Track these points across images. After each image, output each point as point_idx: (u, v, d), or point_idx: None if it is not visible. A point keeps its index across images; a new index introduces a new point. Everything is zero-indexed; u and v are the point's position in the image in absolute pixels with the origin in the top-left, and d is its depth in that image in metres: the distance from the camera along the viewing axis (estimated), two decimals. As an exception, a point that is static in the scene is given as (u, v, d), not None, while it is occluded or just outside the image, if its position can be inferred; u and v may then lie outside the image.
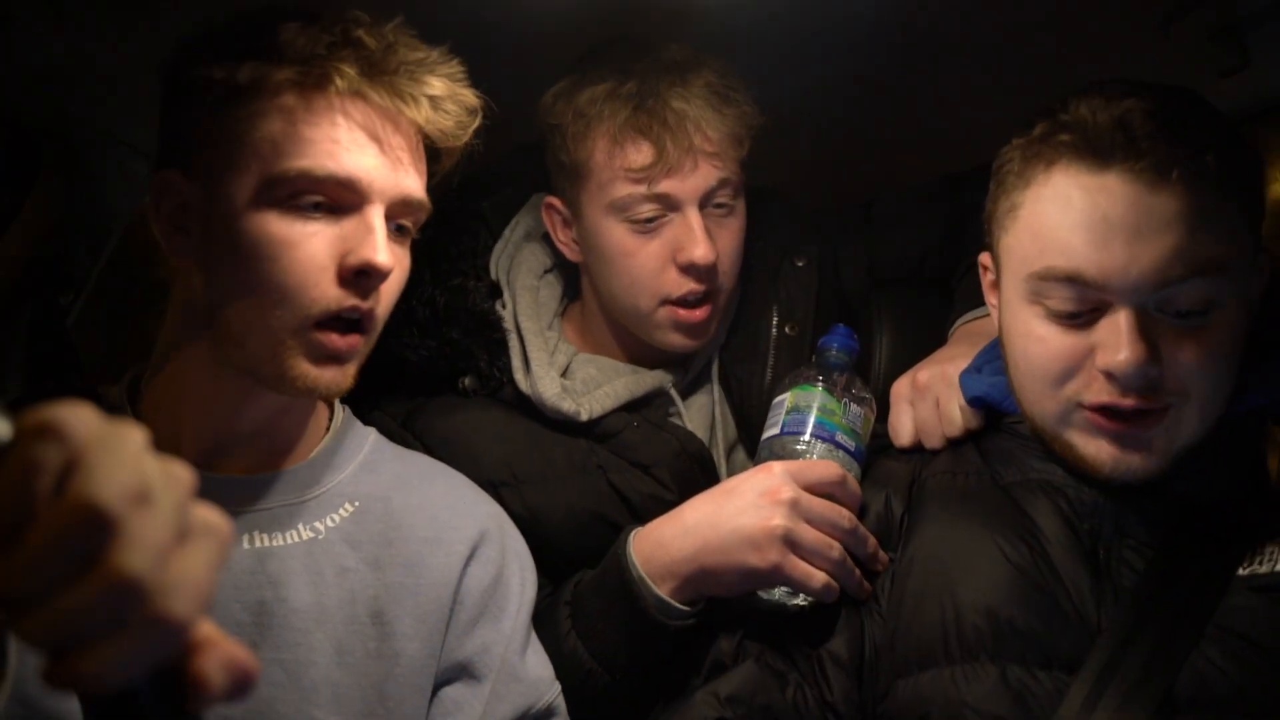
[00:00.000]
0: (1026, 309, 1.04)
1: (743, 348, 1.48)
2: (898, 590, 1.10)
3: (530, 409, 1.39)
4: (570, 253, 1.46)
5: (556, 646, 1.18)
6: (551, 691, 1.12)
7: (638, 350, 1.46)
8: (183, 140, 1.01)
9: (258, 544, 1.02)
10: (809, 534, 1.12)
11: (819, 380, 1.23)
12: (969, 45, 1.47)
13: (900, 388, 1.27)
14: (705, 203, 1.35)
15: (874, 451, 1.26)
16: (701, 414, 1.47)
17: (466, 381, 1.42)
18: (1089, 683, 0.96)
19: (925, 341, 1.40)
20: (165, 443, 1.01)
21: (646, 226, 1.35)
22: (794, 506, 1.12)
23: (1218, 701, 0.94)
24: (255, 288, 0.96)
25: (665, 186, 1.32)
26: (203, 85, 0.98)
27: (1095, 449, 1.03)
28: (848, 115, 1.69)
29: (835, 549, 1.12)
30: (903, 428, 1.25)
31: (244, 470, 1.05)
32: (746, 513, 1.13)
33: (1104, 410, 1.01)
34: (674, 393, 1.46)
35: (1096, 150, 0.98)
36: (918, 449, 1.23)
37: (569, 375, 1.41)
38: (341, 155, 0.96)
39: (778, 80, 1.46)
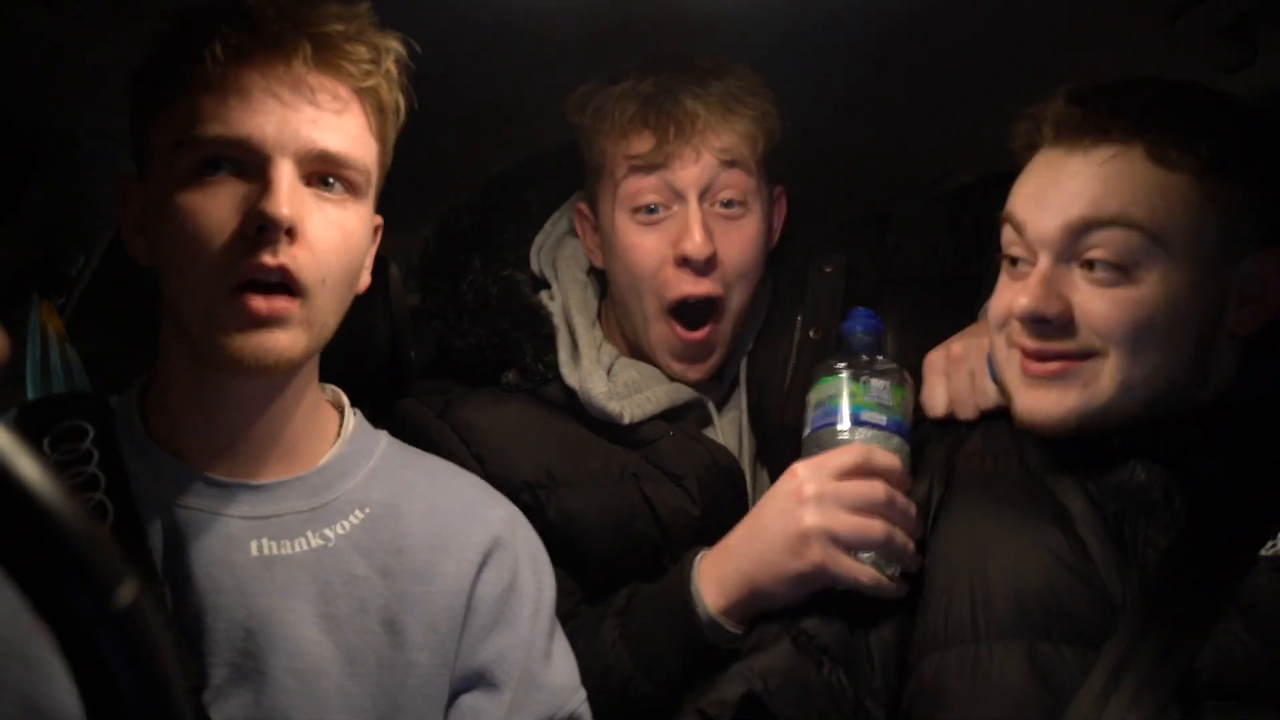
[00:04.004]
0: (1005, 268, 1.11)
1: (767, 353, 1.45)
2: (928, 570, 1.11)
3: (570, 410, 1.37)
4: (596, 259, 1.44)
5: (598, 655, 1.17)
6: (575, 699, 1.10)
7: None
8: (134, 146, 1.04)
9: (266, 552, 1.01)
10: (844, 523, 1.10)
11: (837, 367, 1.21)
12: (971, 41, 1.47)
13: (934, 359, 1.27)
14: (710, 198, 1.34)
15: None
16: (732, 427, 1.45)
17: (510, 376, 1.39)
18: (1112, 660, 0.96)
19: (930, 341, 1.39)
20: (172, 448, 1.02)
21: (650, 217, 1.34)
22: (821, 501, 1.11)
23: (1244, 679, 0.94)
24: (176, 263, 0.97)
25: (665, 173, 1.32)
26: (136, 91, 1.03)
27: (1019, 395, 1.08)
28: (846, 112, 1.69)
29: (876, 527, 1.10)
30: (937, 399, 1.24)
31: (252, 477, 1.04)
32: (778, 520, 1.13)
33: (1024, 354, 1.06)
34: (711, 406, 1.44)
35: (1061, 135, 1.05)
36: (951, 420, 1.23)
37: (612, 377, 1.39)
38: (230, 116, 0.96)
39: (774, 81, 1.45)
